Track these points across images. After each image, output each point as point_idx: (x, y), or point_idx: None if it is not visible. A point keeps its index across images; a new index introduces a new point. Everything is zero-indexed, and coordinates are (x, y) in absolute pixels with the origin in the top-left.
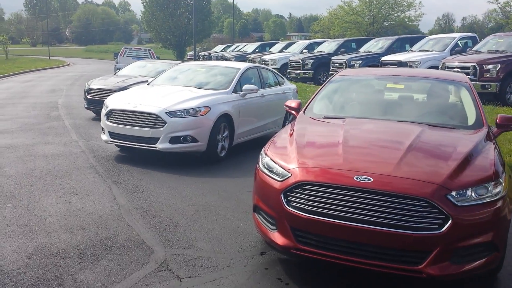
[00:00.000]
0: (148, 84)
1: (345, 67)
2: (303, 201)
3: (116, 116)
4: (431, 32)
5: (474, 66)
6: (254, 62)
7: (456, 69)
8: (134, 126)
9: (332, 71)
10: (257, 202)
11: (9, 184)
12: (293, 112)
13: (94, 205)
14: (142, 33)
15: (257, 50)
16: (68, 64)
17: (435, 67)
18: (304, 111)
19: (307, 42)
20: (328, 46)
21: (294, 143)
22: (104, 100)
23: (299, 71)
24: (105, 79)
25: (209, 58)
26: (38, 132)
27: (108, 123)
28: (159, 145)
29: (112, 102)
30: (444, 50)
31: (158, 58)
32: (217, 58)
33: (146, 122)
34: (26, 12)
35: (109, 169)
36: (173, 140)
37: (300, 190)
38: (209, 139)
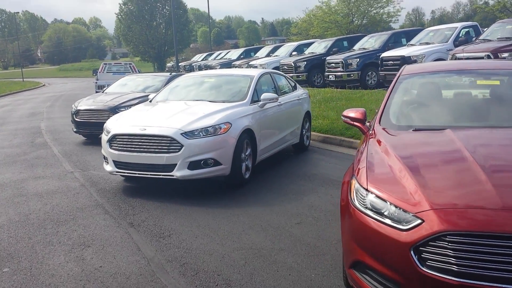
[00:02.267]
0: (150, 101)
1: (342, 67)
2: (450, 260)
3: (121, 142)
4: (403, 27)
5: (488, 55)
6: (240, 68)
7: None
8: (144, 152)
9: (327, 72)
10: (361, 257)
11: (1, 237)
12: (357, 124)
13: (115, 261)
14: (115, 48)
15: (242, 56)
16: (44, 85)
17: (441, 60)
18: (379, 122)
19: (296, 44)
20: (318, 46)
21: (403, 169)
22: (94, 122)
23: (291, 75)
24: (93, 99)
25: (190, 68)
26: (25, 164)
27: (112, 151)
28: (177, 173)
29: (115, 126)
30: (447, 42)
31: (139, 71)
32: (200, 68)
33: (159, 147)
34: None
35: (120, 206)
36: (193, 165)
37: (444, 244)
38: (232, 160)
